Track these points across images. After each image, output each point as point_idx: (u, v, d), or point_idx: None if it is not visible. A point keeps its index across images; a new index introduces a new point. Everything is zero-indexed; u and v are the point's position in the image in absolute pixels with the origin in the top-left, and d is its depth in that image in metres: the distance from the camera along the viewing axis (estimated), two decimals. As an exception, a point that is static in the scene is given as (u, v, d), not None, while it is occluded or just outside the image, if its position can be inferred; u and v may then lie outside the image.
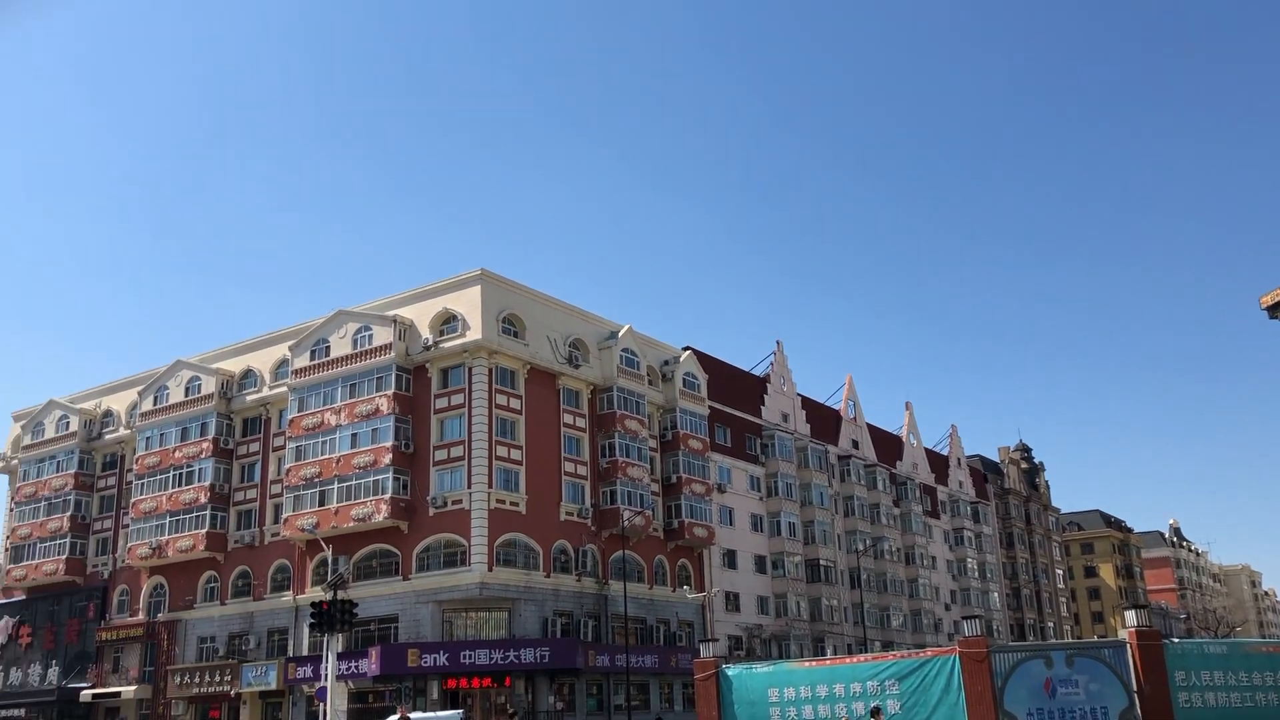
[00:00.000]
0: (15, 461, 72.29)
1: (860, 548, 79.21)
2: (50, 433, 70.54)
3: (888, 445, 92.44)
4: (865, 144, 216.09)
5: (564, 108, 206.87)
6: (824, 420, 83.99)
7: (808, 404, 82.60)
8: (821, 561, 75.60)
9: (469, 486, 52.45)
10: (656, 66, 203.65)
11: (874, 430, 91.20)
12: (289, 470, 56.80)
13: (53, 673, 65.68)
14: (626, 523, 57.50)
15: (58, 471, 69.32)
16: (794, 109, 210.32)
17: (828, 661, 31.06)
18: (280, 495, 58.01)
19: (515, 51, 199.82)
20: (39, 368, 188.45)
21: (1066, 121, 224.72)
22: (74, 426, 69.33)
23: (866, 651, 62.66)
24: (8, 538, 70.75)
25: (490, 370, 54.39)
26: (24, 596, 69.80)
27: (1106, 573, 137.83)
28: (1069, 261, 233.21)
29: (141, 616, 62.77)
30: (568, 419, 58.80)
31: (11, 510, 71.43)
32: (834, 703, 27.80)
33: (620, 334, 62.37)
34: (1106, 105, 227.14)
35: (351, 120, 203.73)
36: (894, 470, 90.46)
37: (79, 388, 72.92)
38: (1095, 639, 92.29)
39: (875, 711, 25.74)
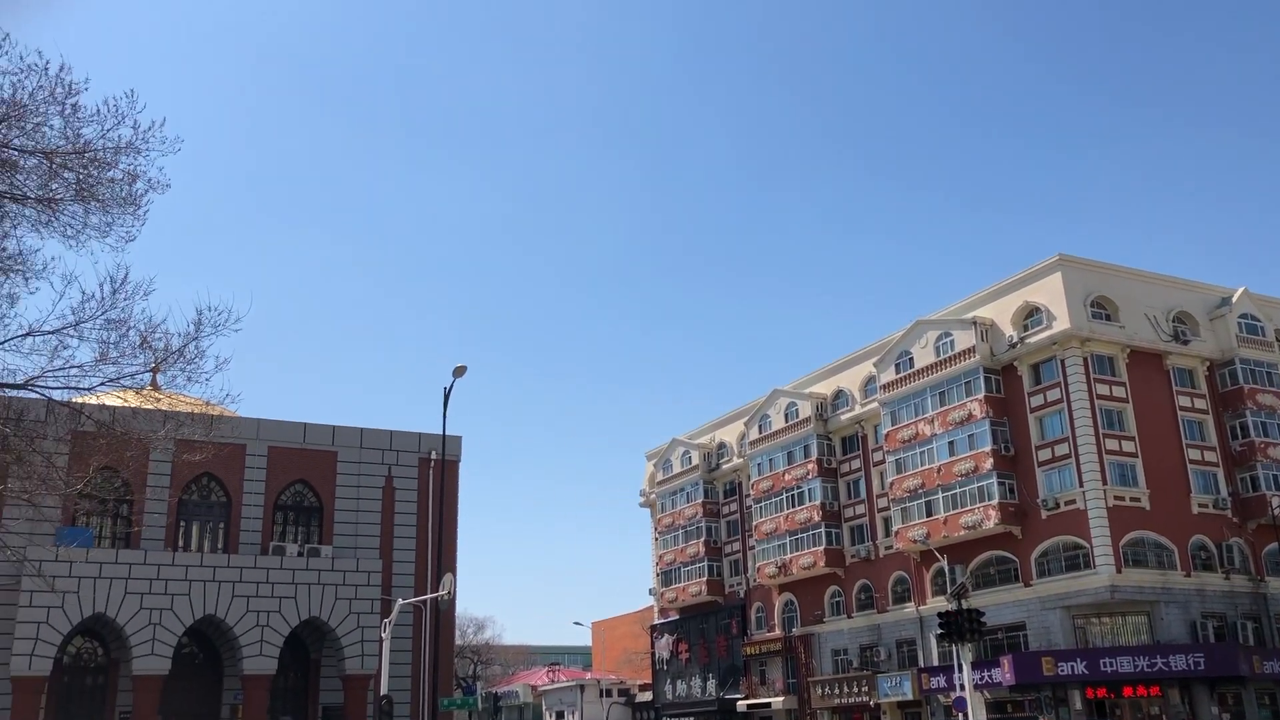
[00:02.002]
0: (653, 496, 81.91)
1: None
2: (676, 468, 78.93)
3: None
4: None
5: (1100, 76, 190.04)
6: None
7: None
8: None
9: (1081, 485, 49.41)
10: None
11: None
12: (892, 484, 57.79)
13: (710, 684, 72.81)
14: (1277, 511, 50.41)
15: (687, 502, 77.27)
16: None
17: None
18: (887, 509, 59.19)
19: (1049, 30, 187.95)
20: (661, 410, 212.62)
21: None
22: (695, 460, 76.93)
23: None
24: (656, 564, 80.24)
25: (1085, 360, 51.04)
26: (677, 616, 78.46)
27: None
28: None
29: (778, 631, 67.37)
30: (1183, 401, 53.19)
31: (656, 539, 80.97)
32: None
33: (1234, 299, 55.27)
34: None
35: (906, 135, 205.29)
36: None
37: (694, 425, 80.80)
38: None
39: None
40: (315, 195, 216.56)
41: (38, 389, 15.49)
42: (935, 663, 54.02)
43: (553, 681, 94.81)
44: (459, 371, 40.90)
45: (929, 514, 55.05)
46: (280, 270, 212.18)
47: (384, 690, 36.13)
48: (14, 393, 15.79)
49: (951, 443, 54.44)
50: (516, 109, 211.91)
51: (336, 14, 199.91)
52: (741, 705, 68.23)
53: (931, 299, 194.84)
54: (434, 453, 51.96)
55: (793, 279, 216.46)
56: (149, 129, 15.62)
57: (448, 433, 42.94)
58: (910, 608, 57.51)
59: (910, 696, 54.86)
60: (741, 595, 72.19)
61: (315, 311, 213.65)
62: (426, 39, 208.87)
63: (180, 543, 47.75)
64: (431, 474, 52.31)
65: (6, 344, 15.56)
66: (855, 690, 58.74)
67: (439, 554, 47.24)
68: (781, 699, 65.05)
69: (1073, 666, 46.72)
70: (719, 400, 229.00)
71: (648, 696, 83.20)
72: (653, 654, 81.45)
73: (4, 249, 15.45)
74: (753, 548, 69.72)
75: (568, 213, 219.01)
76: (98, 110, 15.23)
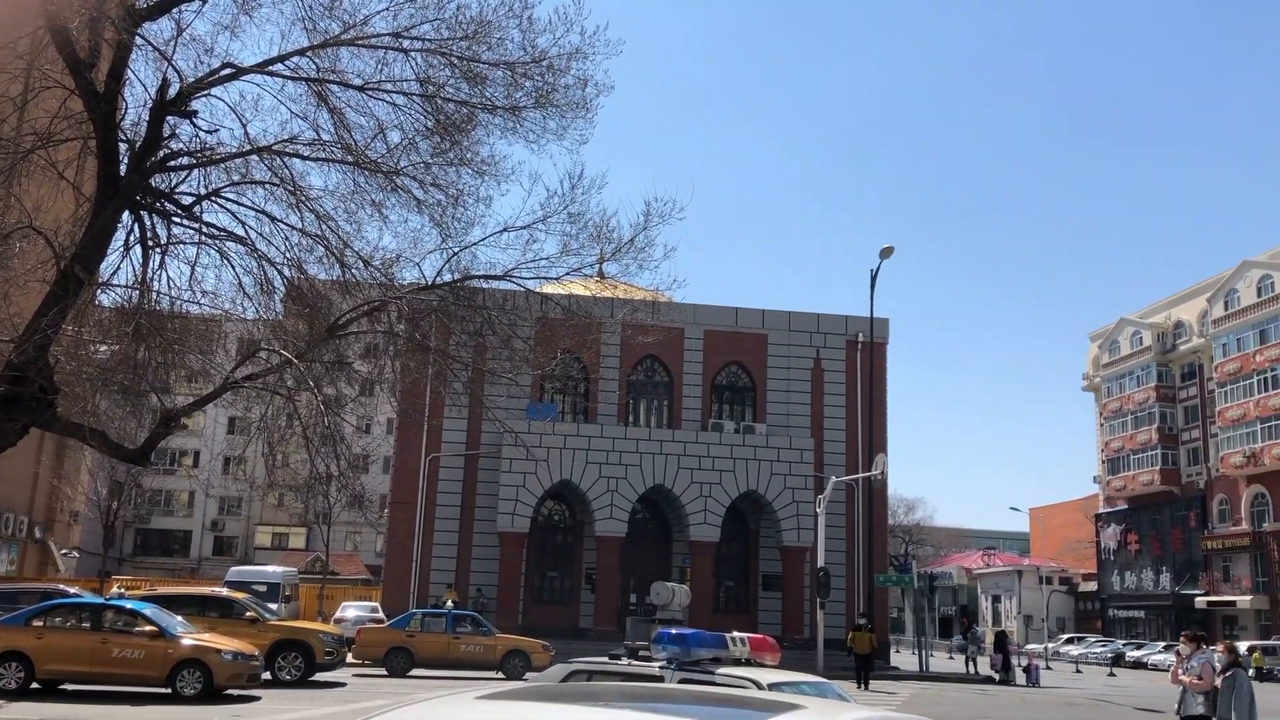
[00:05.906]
0: (1098, 379, 76.69)
1: None
2: (1125, 349, 73.15)
3: None
4: None
5: None
6: None
7: None
8: None
9: None
10: None
11: None
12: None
13: (1164, 578, 68.01)
14: None
15: (1138, 386, 71.55)
16: None
17: None
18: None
19: None
20: (1108, 287, 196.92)
21: None
22: (1147, 341, 70.86)
23: None
24: (1102, 451, 75.48)
25: None
26: (1125, 505, 73.64)
27: None
28: None
29: (1245, 526, 61.22)
30: None
31: (1101, 425, 75.98)
32: None
33: None
34: None
35: None
36: None
37: (1144, 303, 74.25)
38: None
39: None
40: (741, 82, 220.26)
41: (514, 279, 17.47)
42: None
43: (988, 566, 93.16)
44: (885, 253, 40.49)
45: None
46: (710, 159, 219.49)
47: (821, 563, 37.52)
48: (495, 284, 17.89)
49: None
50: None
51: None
52: (1200, 602, 63.23)
53: None
54: (861, 335, 51.90)
55: (1254, 140, 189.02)
56: (594, 34, 16.58)
57: (875, 315, 42.81)
58: None
59: None
60: (1201, 486, 66.26)
61: (742, 198, 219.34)
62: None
63: (630, 418, 51.90)
64: (859, 356, 52.43)
65: (486, 240, 17.57)
66: (1343, 595, 52.32)
67: (870, 434, 47.63)
68: (1249, 598, 59.45)
69: None
70: (1172, 276, 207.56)
71: (1091, 586, 79.42)
72: (1098, 543, 77.41)
73: (479, 154, 17.25)
74: (1215, 435, 63.49)
75: (994, 79, 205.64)
76: (549, 20, 16.38)
